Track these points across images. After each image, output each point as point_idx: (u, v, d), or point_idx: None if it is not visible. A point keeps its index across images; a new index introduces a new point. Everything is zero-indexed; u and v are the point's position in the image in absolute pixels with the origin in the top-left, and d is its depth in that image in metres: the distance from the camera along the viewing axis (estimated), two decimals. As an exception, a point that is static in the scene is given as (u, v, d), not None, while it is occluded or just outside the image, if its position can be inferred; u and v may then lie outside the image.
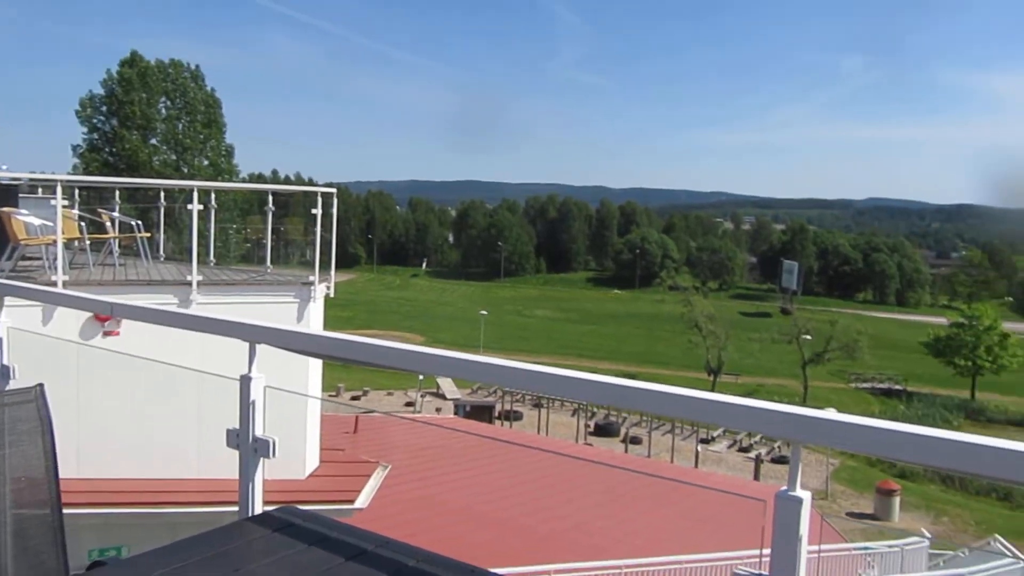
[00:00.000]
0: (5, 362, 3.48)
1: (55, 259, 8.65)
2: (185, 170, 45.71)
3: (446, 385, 48.88)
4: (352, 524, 2.22)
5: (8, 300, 3.58)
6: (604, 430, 42.82)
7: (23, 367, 3.42)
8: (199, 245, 9.44)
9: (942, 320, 73.09)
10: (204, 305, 9.00)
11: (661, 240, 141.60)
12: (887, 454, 1.63)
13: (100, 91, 46.76)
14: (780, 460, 37.52)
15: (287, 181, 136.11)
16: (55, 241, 8.68)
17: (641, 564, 12.47)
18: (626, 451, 38.17)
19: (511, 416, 43.31)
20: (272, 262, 10.39)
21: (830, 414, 1.65)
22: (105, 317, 8.10)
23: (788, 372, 60.34)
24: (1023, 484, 1.50)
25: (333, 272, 10.06)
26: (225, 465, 2.66)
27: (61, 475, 2.32)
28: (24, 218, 9.28)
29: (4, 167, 12.21)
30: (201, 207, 9.48)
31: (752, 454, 39.41)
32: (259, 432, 2.48)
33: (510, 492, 16.19)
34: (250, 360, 2.54)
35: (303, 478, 9.26)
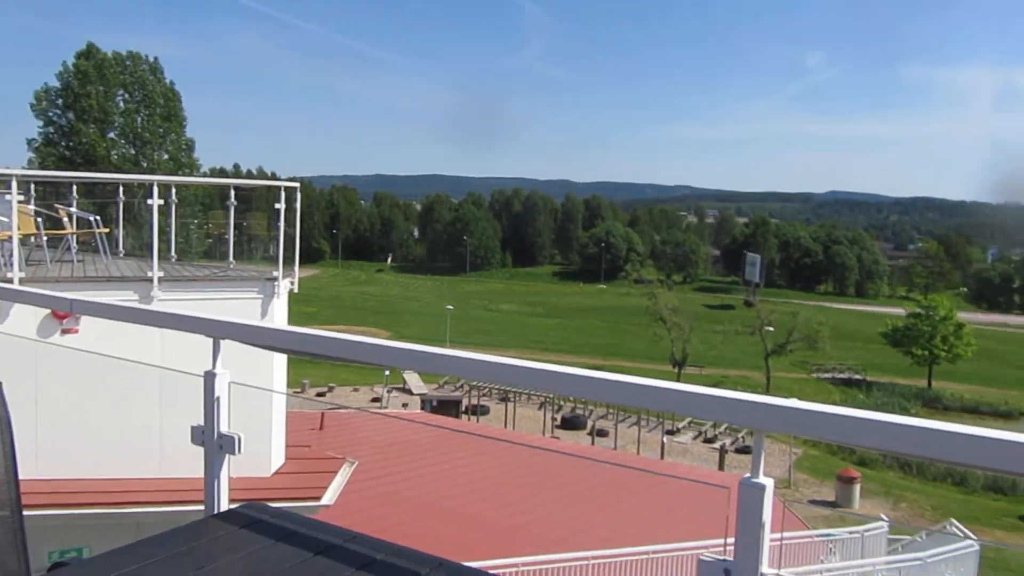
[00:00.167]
0: (-40, 361, 3.40)
1: (11, 255, 8.45)
2: (144, 164, 44.96)
3: (413, 380, 48.75)
4: (320, 520, 2.22)
5: (-38, 298, 3.50)
6: (571, 423, 43.02)
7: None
8: (160, 241, 9.29)
9: (900, 311, 74.81)
10: (166, 301, 8.87)
11: (626, 234, 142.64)
12: (847, 440, 1.66)
13: (56, 84, 45.76)
14: (744, 450, 38.01)
15: (249, 175, 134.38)
16: (10, 237, 8.49)
17: (607, 555, 12.57)
18: (593, 443, 38.39)
19: (478, 410, 43.34)
20: (235, 258, 10.25)
21: (792, 402, 1.68)
22: (64, 314, 7.95)
23: (751, 363, 61.16)
24: (976, 467, 1.54)
25: (297, 267, 9.98)
26: (190, 463, 2.63)
27: (20, 476, 2.27)
28: (-23, 214, 9.05)
29: (-45, 162, 11.89)
30: (161, 202, 9.33)
31: (717, 445, 39.90)
32: (224, 429, 2.46)
33: (478, 486, 16.22)
34: (214, 356, 2.52)
35: (269, 475, 9.18)
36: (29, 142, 45.88)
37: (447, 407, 42.77)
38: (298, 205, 9.91)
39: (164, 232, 10.19)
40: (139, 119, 46.32)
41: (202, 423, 2.48)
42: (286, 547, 2.02)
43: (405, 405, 44.25)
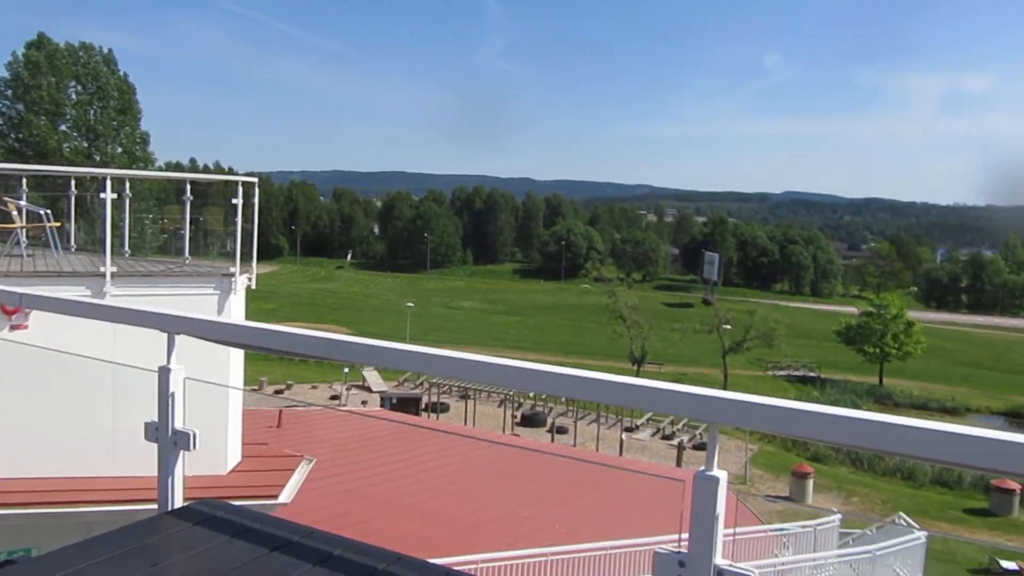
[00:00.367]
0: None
1: (-44, 249, 8.22)
2: (97, 158, 43.95)
3: (372, 378, 48.44)
4: (276, 516, 2.20)
5: (-95, 292, 3.39)
6: (531, 420, 43.15)
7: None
8: (113, 236, 9.08)
9: (853, 310, 76.27)
10: (119, 297, 8.68)
11: (586, 232, 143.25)
12: (799, 433, 1.71)
13: (5, 74, 44.50)
14: (701, 447, 38.47)
15: (206, 170, 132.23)
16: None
17: (567, 551, 12.64)
18: (552, 441, 38.55)
19: (438, 408, 43.23)
20: (191, 253, 10.09)
21: (746, 396, 1.71)
22: (13, 309, 7.75)
23: (709, 361, 61.89)
24: (922, 459, 1.59)
25: (255, 263, 9.85)
26: (145, 461, 2.59)
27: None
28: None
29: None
30: (115, 196, 9.12)
31: (675, 441, 40.34)
32: (179, 425, 2.42)
33: (439, 483, 16.19)
34: (168, 351, 2.48)
35: (225, 473, 9.06)
36: (-24, 134, 44.60)
37: (407, 404, 42.59)
38: (256, 200, 9.79)
39: (118, 227, 9.98)
40: (92, 111, 45.26)
41: (156, 419, 2.44)
42: (241, 543, 2.00)
43: (365, 402, 43.94)
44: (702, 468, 1.71)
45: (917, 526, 19.38)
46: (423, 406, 43.30)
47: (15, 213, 10.63)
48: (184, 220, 9.99)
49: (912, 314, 69.42)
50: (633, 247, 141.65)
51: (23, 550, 7.59)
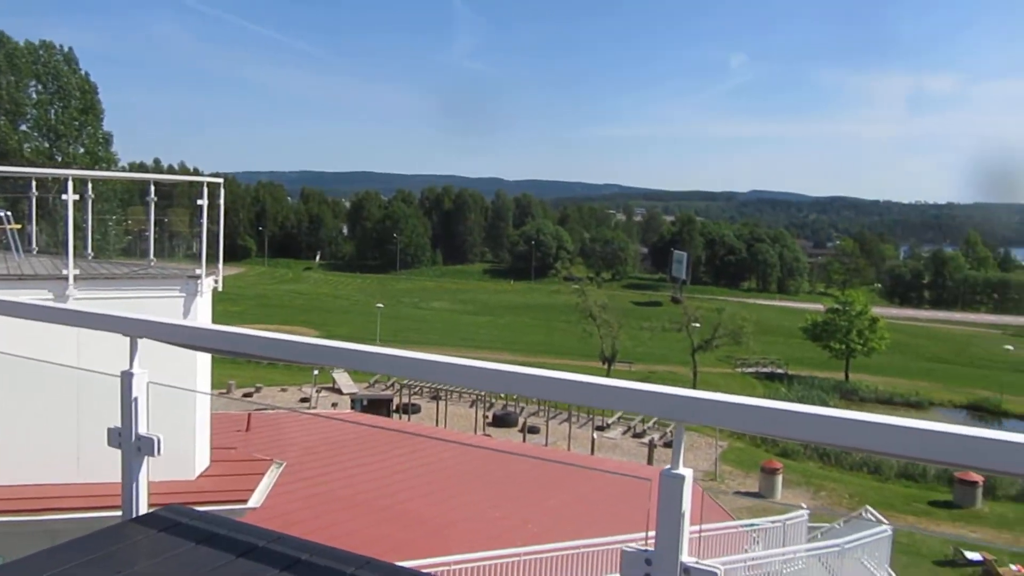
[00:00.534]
0: None
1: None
2: (59, 158, 43.15)
3: (342, 380, 48.12)
4: (244, 522, 2.17)
5: None
6: (502, 420, 43.16)
7: None
8: (75, 238, 8.92)
9: (819, 307, 77.33)
10: (82, 301, 8.53)
11: (556, 232, 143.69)
12: (765, 431, 1.73)
13: (-39, 73, 43.47)
14: (671, 444, 38.76)
15: (171, 171, 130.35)
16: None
17: (538, 551, 12.67)
18: (524, 440, 38.61)
19: (409, 409, 43.08)
20: (156, 255, 9.95)
21: (713, 395, 1.73)
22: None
23: (679, 359, 62.36)
24: (887, 455, 1.62)
25: (221, 265, 9.74)
26: (110, 468, 2.55)
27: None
28: None
29: None
30: (77, 197, 8.97)
31: (646, 440, 40.60)
32: (143, 430, 2.39)
33: (410, 485, 16.13)
34: (131, 355, 2.44)
35: (193, 479, 8.94)
36: (-68, 134, 43.53)
37: (378, 406, 42.40)
38: (221, 201, 9.68)
39: (80, 229, 9.81)
40: (53, 111, 44.44)
41: (119, 425, 2.40)
42: (207, 550, 1.97)
43: (335, 405, 43.64)
44: (668, 466, 1.72)
45: (884, 519, 19.70)
46: (394, 407, 43.13)
47: (-27, 216, 10.42)
48: (149, 221, 9.85)
49: (876, 310, 70.57)
50: (602, 246, 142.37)
51: (-16, 560, 7.43)
